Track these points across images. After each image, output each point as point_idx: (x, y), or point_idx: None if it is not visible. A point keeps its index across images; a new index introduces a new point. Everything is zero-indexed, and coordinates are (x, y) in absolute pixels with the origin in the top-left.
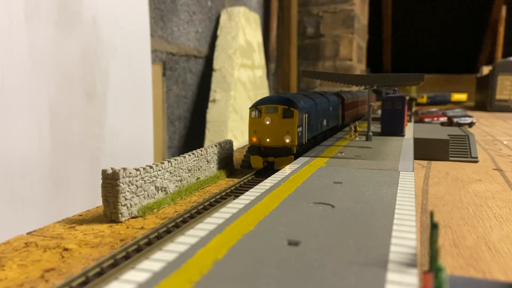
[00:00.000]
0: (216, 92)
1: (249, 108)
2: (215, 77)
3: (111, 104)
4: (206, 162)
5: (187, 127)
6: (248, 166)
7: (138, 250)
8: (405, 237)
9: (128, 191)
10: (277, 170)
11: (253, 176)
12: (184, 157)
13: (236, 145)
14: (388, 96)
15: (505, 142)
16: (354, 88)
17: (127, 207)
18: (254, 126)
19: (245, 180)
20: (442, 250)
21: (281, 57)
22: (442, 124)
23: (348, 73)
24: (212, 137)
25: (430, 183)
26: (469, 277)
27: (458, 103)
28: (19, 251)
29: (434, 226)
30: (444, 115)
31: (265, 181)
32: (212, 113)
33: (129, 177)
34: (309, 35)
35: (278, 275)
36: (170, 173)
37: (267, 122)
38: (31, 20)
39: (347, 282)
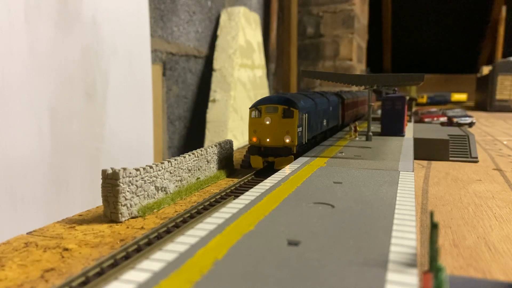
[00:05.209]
0: (216, 92)
1: (249, 108)
2: (215, 77)
3: (111, 104)
4: (206, 162)
5: (187, 127)
6: (248, 166)
7: (138, 250)
8: (405, 237)
9: (128, 191)
10: (277, 170)
11: (253, 176)
12: (184, 157)
13: (236, 145)
14: (388, 96)
15: (505, 142)
16: (354, 88)
17: (127, 207)
18: (254, 126)
19: (245, 180)
20: (442, 250)
21: (281, 57)
22: (442, 124)
23: (348, 73)
24: (212, 137)
25: (430, 183)
26: (469, 277)
27: (458, 103)
28: (19, 251)
29: (434, 226)
30: (444, 115)
31: (265, 181)
32: (212, 113)
33: (129, 177)
34: (309, 35)
35: (278, 275)
36: (170, 173)
37: (267, 122)
38: (31, 20)
39: (347, 282)
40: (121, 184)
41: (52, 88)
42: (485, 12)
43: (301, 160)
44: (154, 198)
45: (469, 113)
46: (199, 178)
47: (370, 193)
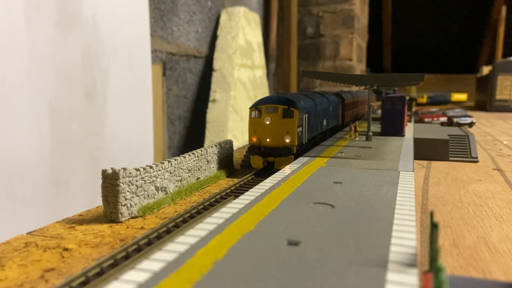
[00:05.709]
0: (216, 92)
1: (249, 108)
2: (215, 77)
3: (111, 104)
4: (206, 162)
5: (187, 127)
6: (248, 166)
7: (138, 250)
8: (405, 237)
9: (128, 191)
10: (277, 170)
11: (253, 176)
12: (184, 157)
13: (236, 145)
14: (388, 96)
15: (505, 142)
16: (354, 88)
17: (127, 207)
18: (254, 126)
19: (245, 180)
20: (442, 250)
21: (281, 57)
22: (442, 124)
23: (348, 73)
24: (212, 137)
25: (430, 183)
26: (469, 277)
27: (458, 103)
28: (19, 251)
29: (434, 226)
30: (444, 115)
31: (265, 181)
32: (212, 113)
33: (129, 177)
34: (309, 35)
35: (278, 275)
36: (170, 173)
37: (267, 122)
38: (31, 20)
39: (347, 282)
40: (121, 184)
41: (52, 88)
42: (485, 12)
43: (301, 160)
44: (154, 198)
45: (469, 113)
46: (199, 178)
47: (370, 193)
